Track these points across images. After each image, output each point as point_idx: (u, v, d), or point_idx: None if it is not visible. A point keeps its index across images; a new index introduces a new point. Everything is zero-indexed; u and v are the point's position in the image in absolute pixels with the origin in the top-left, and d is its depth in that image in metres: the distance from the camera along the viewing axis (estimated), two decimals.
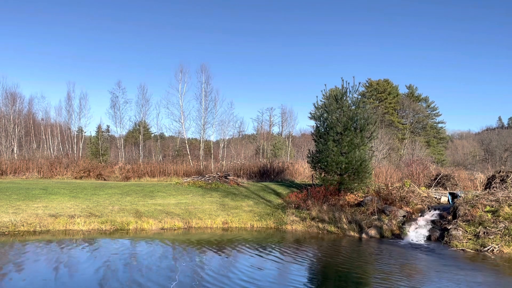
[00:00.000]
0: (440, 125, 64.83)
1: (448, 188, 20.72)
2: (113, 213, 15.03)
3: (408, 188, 17.81)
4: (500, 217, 13.00)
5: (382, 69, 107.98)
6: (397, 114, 62.13)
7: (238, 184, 21.99)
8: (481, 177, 22.85)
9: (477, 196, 14.89)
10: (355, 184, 17.81)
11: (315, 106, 19.21)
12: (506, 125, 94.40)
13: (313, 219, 16.09)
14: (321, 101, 19.35)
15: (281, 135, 58.91)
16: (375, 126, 18.66)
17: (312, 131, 20.73)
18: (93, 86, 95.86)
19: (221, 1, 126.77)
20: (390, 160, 42.48)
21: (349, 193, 18.03)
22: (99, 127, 49.12)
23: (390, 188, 17.64)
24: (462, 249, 12.08)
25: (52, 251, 10.55)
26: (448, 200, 17.16)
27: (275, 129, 62.42)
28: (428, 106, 64.62)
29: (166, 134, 53.98)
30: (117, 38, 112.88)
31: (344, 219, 15.41)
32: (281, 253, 11.34)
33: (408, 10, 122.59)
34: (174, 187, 20.30)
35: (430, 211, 15.59)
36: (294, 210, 17.17)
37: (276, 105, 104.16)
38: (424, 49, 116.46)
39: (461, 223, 13.37)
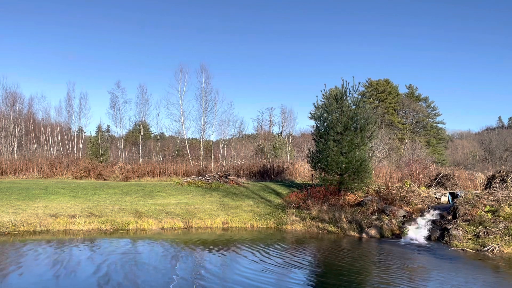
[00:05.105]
0: (440, 125, 64.89)
1: (448, 188, 20.70)
2: (113, 213, 15.04)
3: (408, 188, 17.81)
4: (500, 217, 13.01)
5: (382, 69, 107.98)
6: (397, 114, 62.11)
7: (238, 184, 21.98)
8: (481, 177, 22.84)
9: (477, 196, 14.89)
10: (355, 184, 17.81)
11: (315, 106, 19.21)
12: (506, 125, 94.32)
13: (313, 219, 16.09)
14: (321, 101, 19.37)
15: (281, 135, 58.87)
16: (375, 126, 18.66)
17: (312, 131, 20.73)
18: (93, 86, 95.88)
19: (221, 1, 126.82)
20: (390, 160, 42.44)
21: (349, 193, 18.03)
22: (99, 127, 49.22)
23: (390, 188, 17.65)
24: (462, 249, 12.08)
25: (52, 251, 10.54)
26: (448, 200, 17.16)
27: (275, 129, 62.41)
28: (428, 106, 64.64)
29: (166, 134, 53.96)
30: (117, 38, 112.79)
31: (344, 219, 15.41)
32: (281, 253, 11.34)
33: (408, 10, 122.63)
34: (174, 187, 20.30)
35: (430, 211, 15.59)
36: (294, 210, 17.17)
37: (276, 105, 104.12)
38: (424, 49, 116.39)
39: (461, 223, 13.37)
